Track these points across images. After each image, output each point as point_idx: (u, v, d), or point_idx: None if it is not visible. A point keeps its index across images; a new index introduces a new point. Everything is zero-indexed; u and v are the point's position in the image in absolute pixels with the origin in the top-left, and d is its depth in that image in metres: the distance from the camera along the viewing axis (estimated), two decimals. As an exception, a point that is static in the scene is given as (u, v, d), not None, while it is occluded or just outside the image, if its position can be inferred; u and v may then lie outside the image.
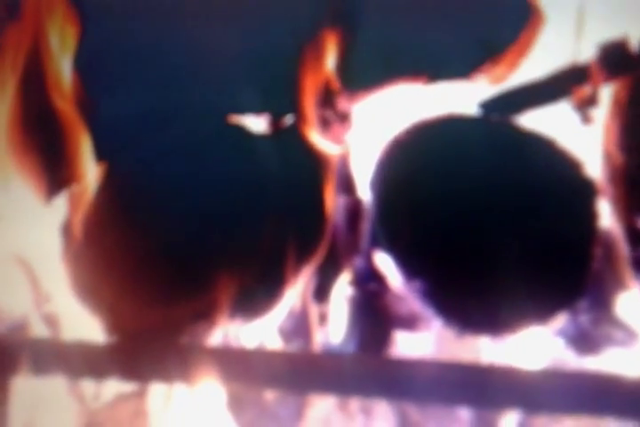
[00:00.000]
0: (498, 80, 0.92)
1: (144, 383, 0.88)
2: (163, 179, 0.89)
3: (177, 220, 0.88)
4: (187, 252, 0.88)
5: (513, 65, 0.92)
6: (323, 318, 0.89)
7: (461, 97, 0.92)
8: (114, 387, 0.90)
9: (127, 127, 0.91)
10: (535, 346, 0.86)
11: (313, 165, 0.89)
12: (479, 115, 0.91)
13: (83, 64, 0.91)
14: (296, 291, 0.88)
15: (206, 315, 0.86)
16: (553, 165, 0.88)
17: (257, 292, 0.87)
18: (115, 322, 0.87)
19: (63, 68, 0.90)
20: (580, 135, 0.90)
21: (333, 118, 0.91)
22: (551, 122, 0.90)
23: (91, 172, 0.90)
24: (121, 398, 0.89)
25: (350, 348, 0.88)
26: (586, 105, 0.90)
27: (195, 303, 0.86)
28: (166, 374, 0.84)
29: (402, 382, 0.81)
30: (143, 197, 0.88)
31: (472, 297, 0.86)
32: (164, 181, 0.89)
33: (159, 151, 0.90)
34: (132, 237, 0.88)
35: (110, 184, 0.90)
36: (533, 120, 0.91)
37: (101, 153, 0.91)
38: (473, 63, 0.91)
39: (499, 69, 0.91)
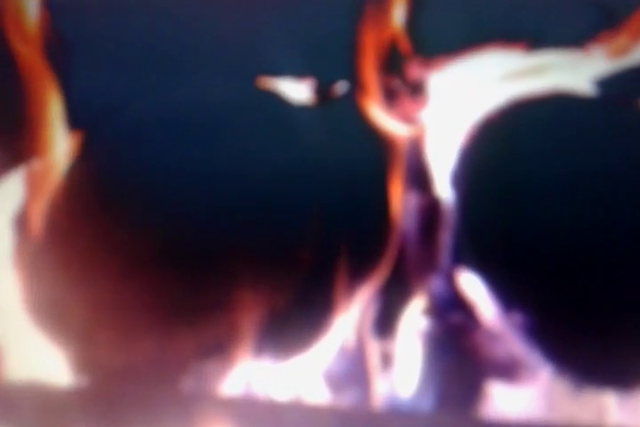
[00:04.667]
0: (619, 52, 0.82)
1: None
2: (162, 157, 0.79)
3: (180, 214, 0.77)
4: (193, 259, 0.77)
5: (638, 34, 0.81)
6: (386, 361, 0.77)
7: (572, 71, 0.82)
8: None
9: (114, 87, 0.81)
10: None
11: (374, 148, 0.79)
12: (595, 94, 0.81)
13: (57, 2, 0.83)
14: (349, 320, 0.77)
15: (220, 350, 0.75)
16: None
17: (294, 320, 0.76)
18: (86, 357, 0.76)
19: (28, 2, 0.81)
20: None
21: (402, 89, 0.81)
22: None
23: (60, 143, 0.80)
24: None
25: (425, 404, 0.77)
26: None
27: (204, 333, 0.75)
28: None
29: (499, 456, 0.72)
30: (133, 181, 0.78)
31: (594, 337, 0.74)
32: (165, 161, 0.79)
33: (157, 120, 0.80)
34: (116, 235, 0.77)
35: (87, 161, 0.79)
36: None
37: (76, 119, 0.80)
38: (588, 29, 0.81)
39: (620, 39, 0.81)
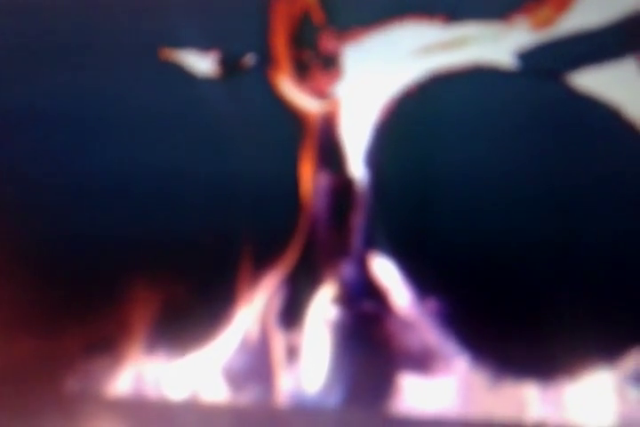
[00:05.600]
0: (543, 24, 0.80)
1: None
2: (58, 134, 0.75)
3: (70, 197, 0.73)
4: (81, 248, 0.73)
5: (562, 5, 0.79)
6: (292, 354, 0.75)
7: (493, 44, 0.79)
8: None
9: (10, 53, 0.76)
10: (600, 397, 0.74)
11: (284, 124, 0.77)
12: (517, 68, 0.79)
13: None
14: (252, 311, 0.74)
15: (108, 346, 0.72)
16: (616, 141, 0.77)
17: (191, 312, 0.72)
18: None
19: None
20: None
21: (315, 62, 0.78)
22: (613, 84, 0.78)
23: None
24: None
25: (333, 400, 0.74)
26: (657, 65, 0.81)
27: (91, 328, 0.72)
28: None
29: (411, 454, 0.69)
30: (25, 165, 0.74)
31: (513, 326, 0.72)
32: (60, 138, 0.75)
33: (54, 91, 0.76)
34: (4, 227, 0.73)
35: None
36: (589, 81, 0.79)
37: None
38: (510, 0, 0.78)
39: (544, 10, 0.79)
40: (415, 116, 0.76)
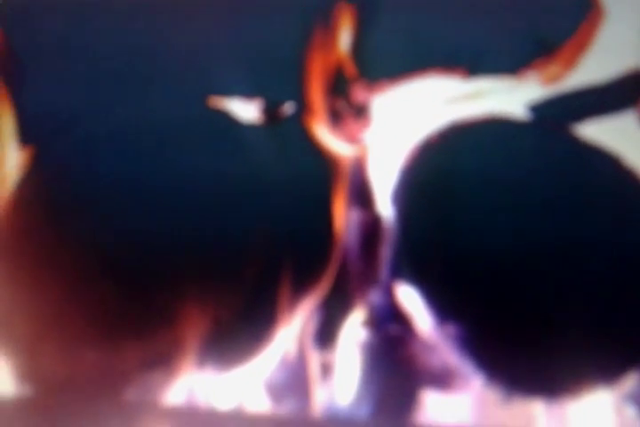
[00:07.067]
0: (552, 79, 0.84)
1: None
2: (112, 173, 0.78)
3: (128, 228, 0.77)
4: (139, 272, 0.76)
5: (570, 63, 0.84)
6: (326, 371, 0.78)
7: (507, 96, 0.84)
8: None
9: (65, 103, 0.80)
10: (600, 414, 0.77)
11: (319, 167, 0.80)
12: (528, 118, 0.83)
13: (9, 17, 0.82)
14: (291, 332, 0.77)
15: (163, 361, 0.74)
16: (617, 187, 0.80)
17: (237, 331, 0.75)
18: (31, 366, 0.75)
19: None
20: (650, 152, 0.84)
21: (347, 111, 0.82)
22: (615, 135, 0.82)
23: (11, 158, 0.79)
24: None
25: (363, 412, 0.77)
26: (654, 117, 0.85)
27: (148, 344, 0.74)
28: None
29: (432, 462, 0.72)
30: (82, 197, 0.77)
31: (523, 349, 0.75)
32: (114, 177, 0.78)
33: (107, 137, 0.80)
34: (64, 248, 0.75)
35: (37, 176, 0.78)
36: (593, 132, 0.83)
37: (27, 134, 0.80)
38: (523, 57, 0.83)
39: (553, 67, 0.84)
40: (436, 161, 0.79)
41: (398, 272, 0.77)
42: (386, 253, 0.78)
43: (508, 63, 0.82)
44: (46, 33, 0.81)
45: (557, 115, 0.83)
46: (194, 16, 0.82)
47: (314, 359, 0.77)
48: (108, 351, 0.73)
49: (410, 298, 0.77)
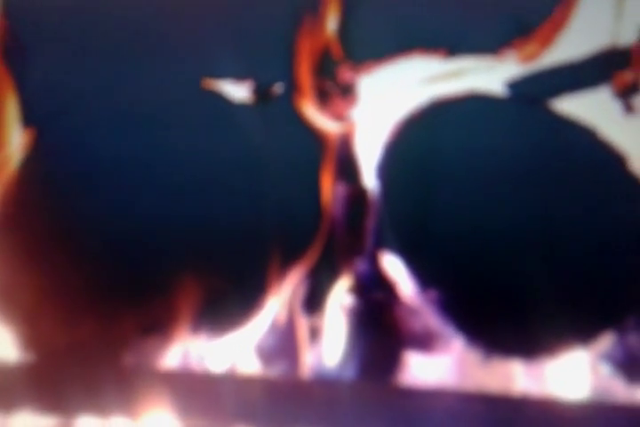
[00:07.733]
0: (529, 58, 0.86)
1: (69, 417, 0.74)
2: (110, 154, 0.80)
3: (124, 204, 0.78)
4: (135, 244, 0.77)
5: (546, 42, 0.86)
6: (314, 335, 0.80)
7: (487, 75, 0.86)
8: (27, 421, 0.76)
9: (67, 86, 0.82)
10: (576, 373, 0.79)
11: (307, 143, 0.82)
12: (507, 95, 0.85)
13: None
14: (280, 299, 0.79)
15: (159, 328, 0.76)
16: (592, 159, 0.82)
17: (229, 299, 0.77)
18: (32, 334, 0.76)
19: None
20: (623, 126, 0.84)
21: (334, 91, 0.84)
22: (590, 109, 0.84)
23: (14, 139, 0.80)
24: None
25: (349, 373, 0.79)
26: (628, 92, 0.84)
27: (144, 312, 0.76)
28: (101, 405, 0.72)
29: (413, 418, 0.72)
30: (81, 177, 0.78)
31: (501, 311, 0.77)
32: (112, 157, 0.80)
33: (107, 119, 0.81)
34: (63, 224, 0.77)
35: (38, 158, 0.79)
36: (569, 107, 0.85)
37: (29, 116, 0.81)
38: (501, 37, 0.85)
39: (530, 46, 0.85)
40: (418, 136, 0.82)
41: (382, 242, 0.79)
42: (371, 224, 0.80)
43: (488, 43, 0.84)
44: (47, 16, 0.82)
45: (535, 91, 0.85)
46: (187, 1, 0.85)
47: (302, 324, 0.79)
48: (106, 319, 0.75)
49: (393, 266, 0.79)
